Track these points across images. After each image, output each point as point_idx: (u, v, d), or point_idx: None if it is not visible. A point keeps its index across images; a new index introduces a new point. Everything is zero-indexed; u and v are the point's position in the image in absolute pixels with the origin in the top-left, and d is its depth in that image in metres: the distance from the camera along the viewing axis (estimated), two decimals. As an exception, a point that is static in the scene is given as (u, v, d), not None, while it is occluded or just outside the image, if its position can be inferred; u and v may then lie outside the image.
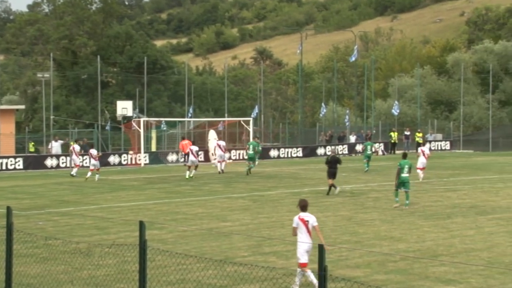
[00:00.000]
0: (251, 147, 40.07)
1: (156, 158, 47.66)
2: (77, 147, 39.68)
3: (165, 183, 34.30)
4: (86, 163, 44.53)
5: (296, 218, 13.40)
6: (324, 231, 19.71)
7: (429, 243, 18.03)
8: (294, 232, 13.48)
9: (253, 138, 44.11)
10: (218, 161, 39.70)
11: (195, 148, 37.65)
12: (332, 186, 28.42)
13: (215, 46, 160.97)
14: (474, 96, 74.05)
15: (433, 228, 20.21)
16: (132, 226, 19.82)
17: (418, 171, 35.13)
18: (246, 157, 42.33)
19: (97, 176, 35.50)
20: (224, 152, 40.71)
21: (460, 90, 69.55)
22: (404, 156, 25.90)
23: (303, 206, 13.45)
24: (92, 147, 39.99)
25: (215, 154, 42.34)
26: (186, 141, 46.48)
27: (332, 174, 28.46)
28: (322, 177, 35.75)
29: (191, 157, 36.87)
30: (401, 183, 24.82)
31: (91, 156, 36.51)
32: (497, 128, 69.17)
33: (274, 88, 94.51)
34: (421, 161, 35.29)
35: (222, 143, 40.24)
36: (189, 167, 36.56)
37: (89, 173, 35.87)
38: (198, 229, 19.82)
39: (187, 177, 35.80)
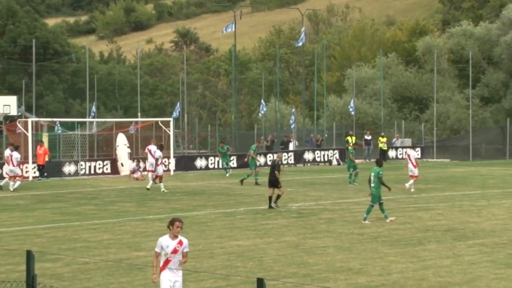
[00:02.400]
0: (252, 151, 41.59)
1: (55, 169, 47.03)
2: (16, 155, 39.37)
3: (61, 201, 33.87)
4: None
5: (171, 242, 13.60)
6: (265, 261, 19.77)
7: (396, 275, 18.25)
8: (158, 260, 13.68)
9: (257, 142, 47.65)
10: (149, 171, 40.26)
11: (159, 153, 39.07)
12: (271, 197, 30.11)
13: (125, 27, 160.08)
14: (450, 91, 75.46)
15: (400, 257, 20.48)
16: (17, 258, 19.51)
17: (410, 181, 36.47)
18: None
19: (15, 183, 38.47)
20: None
21: (433, 84, 70.81)
22: (377, 162, 27.36)
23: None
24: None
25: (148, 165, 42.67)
26: (44, 148, 46.29)
27: (270, 182, 30.31)
28: (262, 194, 35.81)
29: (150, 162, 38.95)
30: (372, 196, 26.58)
31: (10, 160, 38.84)
32: (479, 132, 70.61)
33: (200, 81, 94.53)
34: (410, 169, 36.57)
35: (154, 148, 40.44)
36: (157, 178, 38.22)
37: (10, 182, 38.65)
38: (103, 261, 19.64)
39: (162, 190, 37.50)
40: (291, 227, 25.73)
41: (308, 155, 59.47)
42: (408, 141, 66.77)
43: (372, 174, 26.60)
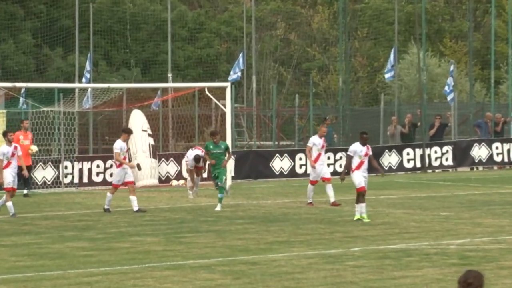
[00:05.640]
0: None
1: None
2: None
3: (29, 233, 34.37)
4: None
5: None
6: None
7: None
8: None
9: None
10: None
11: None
12: None
13: None
14: None
15: None
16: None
17: None
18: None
19: None
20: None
21: None
22: None
23: None
24: None
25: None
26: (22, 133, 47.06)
27: None
28: (392, 221, 35.65)
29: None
30: None
31: None
32: None
33: (281, 14, 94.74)
34: None
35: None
36: None
37: None
38: None
39: None
40: (448, 282, 25.58)
41: (479, 151, 58.99)
42: None
43: None
